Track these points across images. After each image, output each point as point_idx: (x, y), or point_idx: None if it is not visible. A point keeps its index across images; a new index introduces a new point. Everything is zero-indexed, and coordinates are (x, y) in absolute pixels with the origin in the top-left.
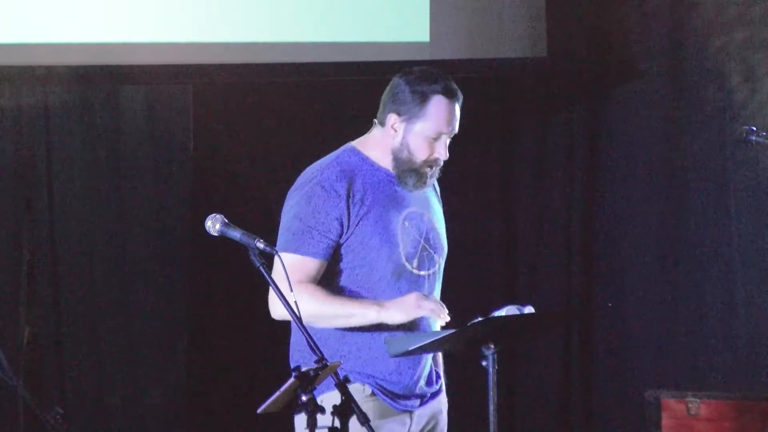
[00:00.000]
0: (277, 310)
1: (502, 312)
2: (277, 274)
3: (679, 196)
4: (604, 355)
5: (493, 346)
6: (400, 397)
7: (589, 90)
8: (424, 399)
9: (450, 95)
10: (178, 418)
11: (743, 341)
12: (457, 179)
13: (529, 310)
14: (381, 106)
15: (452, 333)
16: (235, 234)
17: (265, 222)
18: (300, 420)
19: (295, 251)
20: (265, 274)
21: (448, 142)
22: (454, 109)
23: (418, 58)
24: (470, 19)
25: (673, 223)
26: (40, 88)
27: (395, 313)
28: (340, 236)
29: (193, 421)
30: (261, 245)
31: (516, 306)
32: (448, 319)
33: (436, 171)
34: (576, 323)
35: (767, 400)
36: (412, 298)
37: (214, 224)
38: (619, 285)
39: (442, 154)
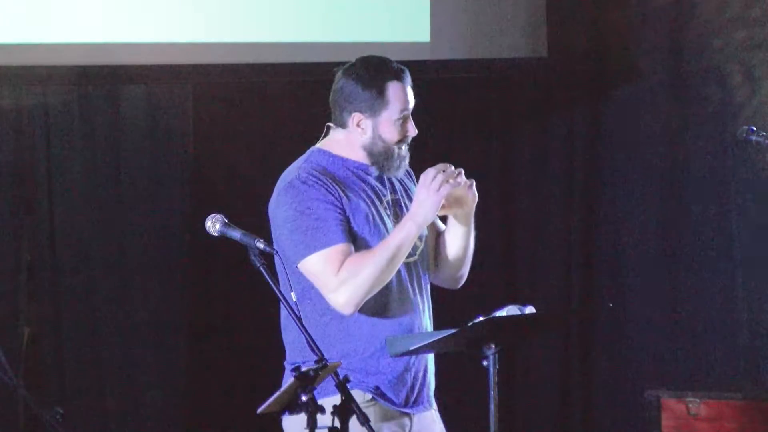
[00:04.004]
0: (347, 297)
1: (503, 312)
2: (314, 276)
3: (680, 196)
4: (604, 355)
5: (493, 346)
6: (399, 399)
7: (589, 90)
8: (423, 404)
9: (400, 76)
10: (178, 418)
11: (743, 341)
12: None
13: (529, 310)
14: (336, 109)
15: (452, 333)
16: (235, 234)
17: (265, 222)
18: (288, 422)
19: (325, 245)
20: (265, 274)
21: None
22: (408, 87)
23: (418, 58)
24: (470, 19)
25: (673, 222)
26: (40, 88)
27: (423, 213)
28: (347, 220)
29: (193, 421)
30: (261, 245)
31: (516, 306)
32: (462, 175)
33: (407, 148)
34: (576, 323)
35: (767, 400)
36: (423, 192)
37: (214, 224)
38: (619, 285)
39: (411, 131)
